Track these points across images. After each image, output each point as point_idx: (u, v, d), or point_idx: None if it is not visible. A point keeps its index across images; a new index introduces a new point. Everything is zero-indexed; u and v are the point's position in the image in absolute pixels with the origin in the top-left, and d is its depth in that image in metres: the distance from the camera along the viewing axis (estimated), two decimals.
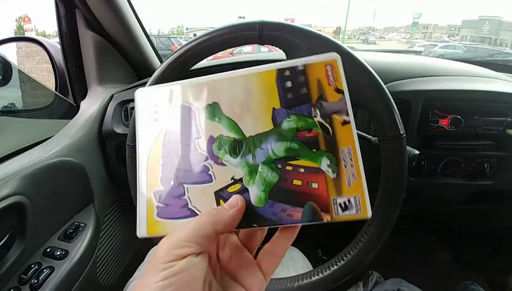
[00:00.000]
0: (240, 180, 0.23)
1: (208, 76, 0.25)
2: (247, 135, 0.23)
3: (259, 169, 0.23)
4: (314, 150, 0.22)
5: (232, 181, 0.23)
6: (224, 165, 0.23)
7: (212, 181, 0.23)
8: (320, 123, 0.22)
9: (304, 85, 0.23)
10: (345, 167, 0.22)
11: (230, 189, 0.23)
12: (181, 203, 0.23)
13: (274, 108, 0.23)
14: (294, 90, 0.23)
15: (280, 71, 0.23)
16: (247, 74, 0.24)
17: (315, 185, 0.22)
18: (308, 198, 0.22)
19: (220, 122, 0.24)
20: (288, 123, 0.23)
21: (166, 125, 0.25)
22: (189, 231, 0.21)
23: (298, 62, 0.23)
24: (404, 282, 0.80)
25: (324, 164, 0.22)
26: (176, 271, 0.19)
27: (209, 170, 0.24)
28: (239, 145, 0.23)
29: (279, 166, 0.23)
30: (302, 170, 0.22)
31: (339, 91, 0.23)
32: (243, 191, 0.23)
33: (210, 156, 0.24)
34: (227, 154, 0.23)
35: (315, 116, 0.22)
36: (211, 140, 0.24)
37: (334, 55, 0.23)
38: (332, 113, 0.22)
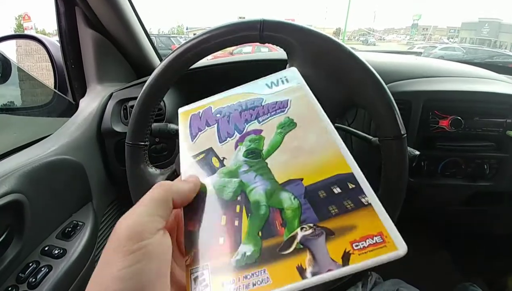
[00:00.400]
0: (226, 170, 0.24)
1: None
2: (271, 166, 0.22)
3: (249, 191, 0.22)
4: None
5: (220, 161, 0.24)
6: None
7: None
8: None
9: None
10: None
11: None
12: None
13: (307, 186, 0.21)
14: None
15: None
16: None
17: None
18: None
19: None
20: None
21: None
22: (147, 203, 0.19)
23: None
24: (403, 283, 0.80)
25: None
26: (148, 252, 0.17)
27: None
28: (256, 154, 0.23)
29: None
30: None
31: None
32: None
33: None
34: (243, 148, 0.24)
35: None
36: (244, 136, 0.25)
37: None
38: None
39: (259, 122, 0.25)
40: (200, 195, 0.22)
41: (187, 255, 0.19)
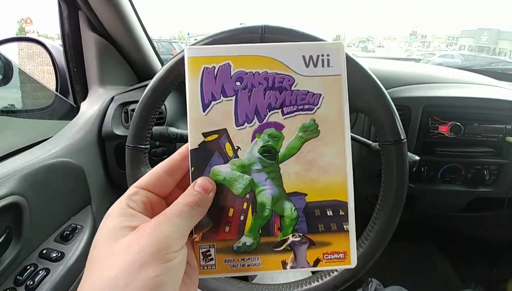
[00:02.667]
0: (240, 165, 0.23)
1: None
2: (282, 173, 0.23)
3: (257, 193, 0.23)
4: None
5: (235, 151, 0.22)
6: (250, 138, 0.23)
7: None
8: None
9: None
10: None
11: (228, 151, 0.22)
12: None
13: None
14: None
15: None
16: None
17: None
18: None
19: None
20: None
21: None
22: (184, 220, 0.20)
23: None
24: (403, 290, 0.80)
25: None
26: (178, 262, 0.18)
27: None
28: (272, 155, 0.23)
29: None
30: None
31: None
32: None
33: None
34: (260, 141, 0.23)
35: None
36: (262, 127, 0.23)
37: None
38: None
39: (283, 114, 0.22)
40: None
41: (195, 234, 0.22)
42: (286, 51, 0.23)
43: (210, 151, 0.22)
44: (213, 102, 0.22)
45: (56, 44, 0.81)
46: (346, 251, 0.23)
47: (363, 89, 0.36)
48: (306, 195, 0.23)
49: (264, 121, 0.22)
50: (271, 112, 0.22)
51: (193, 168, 0.22)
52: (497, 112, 0.64)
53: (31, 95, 0.85)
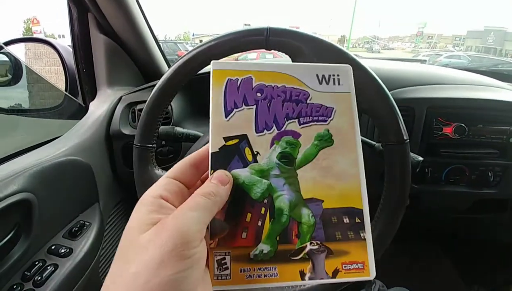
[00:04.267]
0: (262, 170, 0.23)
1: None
2: (300, 179, 0.23)
3: (276, 198, 0.23)
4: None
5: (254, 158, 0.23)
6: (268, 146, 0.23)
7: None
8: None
9: None
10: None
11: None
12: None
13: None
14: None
15: None
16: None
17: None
18: None
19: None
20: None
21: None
22: (201, 211, 0.19)
23: None
24: None
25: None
26: (198, 258, 0.18)
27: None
28: (290, 161, 0.23)
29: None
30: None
31: None
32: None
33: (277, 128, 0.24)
34: (278, 149, 0.23)
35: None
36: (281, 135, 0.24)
37: None
38: None
39: (299, 123, 0.24)
40: None
41: (211, 239, 0.21)
42: (302, 69, 0.25)
43: (230, 154, 0.23)
44: (235, 110, 0.23)
45: (65, 45, 0.83)
46: (365, 261, 0.22)
47: (366, 90, 0.37)
48: (322, 201, 0.23)
49: (282, 129, 0.24)
50: (289, 121, 0.24)
51: (212, 170, 0.22)
52: (502, 113, 0.64)
53: (40, 95, 0.86)
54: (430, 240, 1.13)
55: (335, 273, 0.22)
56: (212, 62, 0.24)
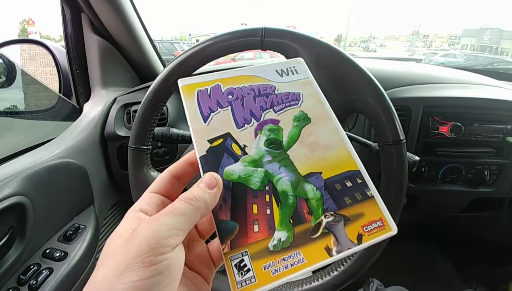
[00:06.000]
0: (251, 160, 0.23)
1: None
2: (292, 158, 0.23)
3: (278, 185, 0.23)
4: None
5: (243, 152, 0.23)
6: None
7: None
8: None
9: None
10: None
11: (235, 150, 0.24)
12: None
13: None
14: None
15: None
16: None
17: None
18: None
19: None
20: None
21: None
22: (172, 215, 0.18)
23: None
24: (404, 290, 0.80)
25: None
26: (167, 265, 0.17)
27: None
28: (277, 145, 0.24)
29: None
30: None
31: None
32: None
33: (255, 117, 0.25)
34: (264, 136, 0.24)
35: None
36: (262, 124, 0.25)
37: None
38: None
39: (275, 112, 0.25)
40: (226, 184, 0.22)
41: (223, 244, 0.20)
42: (262, 68, 0.27)
43: (219, 154, 0.23)
44: (212, 114, 0.24)
45: (58, 46, 0.82)
46: (381, 217, 0.22)
47: (362, 90, 0.37)
48: (321, 173, 0.23)
49: (261, 120, 0.25)
50: (265, 112, 0.25)
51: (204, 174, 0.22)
52: (498, 112, 0.64)
53: (34, 97, 0.85)
54: (428, 238, 1.13)
55: (359, 239, 0.21)
56: (178, 80, 0.26)
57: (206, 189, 0.20)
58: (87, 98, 0.75)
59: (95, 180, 0.67)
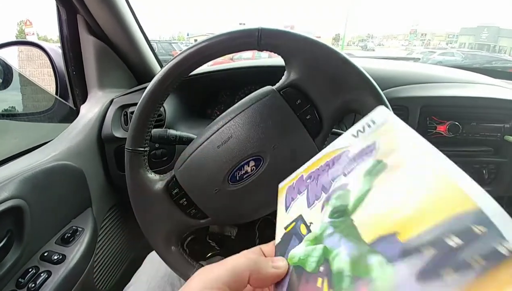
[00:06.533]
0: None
1: None
2: (358, 223, 0.18)
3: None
4: None
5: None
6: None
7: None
8: None
9: None
10: None
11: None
12: None
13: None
14: None
15: None
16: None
17: None
18: None
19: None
20: None
21: None
22: (227, 271, 0.20)
23: None
24: None
25: None
26: None
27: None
28: (342, 212, 0.19)
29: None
30: None
31: None
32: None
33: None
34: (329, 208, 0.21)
35: None
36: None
37: None
38: None
39: (344, 175, 0.21)
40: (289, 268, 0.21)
41: None
42: (340, 140, 0.24)
43: (289, 238, 0.23)
44: (292, 202, 0.25)
45: (55, 47, 0.81)
46: None
47: (359, 90, 0.37)
48: (397, 233, 0.15)
49: (330, 190, 0.22)
50: (335, 181, 0.22)
51: None
52: (495, 111, 0.64)
53: (31, 99, 0.85)
54: None
55: None
56: (279, 185, 0.28)
57: (268, 260, 0.22)
58: (84, 100, 0.75)
59: (93, 182, 0.66)
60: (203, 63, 0.41)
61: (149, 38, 0.82)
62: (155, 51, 0.86)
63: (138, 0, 0.74)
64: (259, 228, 1.13)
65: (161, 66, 0.86)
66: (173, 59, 0.40)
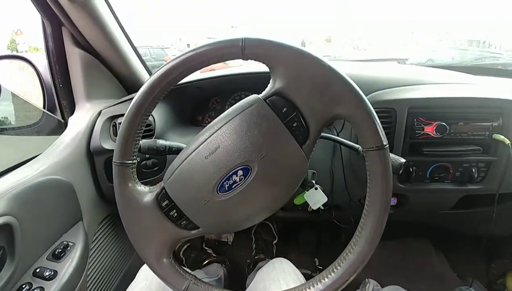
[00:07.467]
0: None
1: None
2: None
3: None
4: None
5: None
6: None
7: None
8: None
9: None
10: None
11: None
12: None
13: None
14: None
15: None
16: None
17: None
18: None
19: None
20: None
21: None
22: None
23: None
24: (400, 289, 0.80)
25: None
26: None
27: None
28: None
29: None
30: None
31: None
32: None
33: None
34: None
35: None
36: None
37: None
38: None
39: None
40: None
41: None
42: None
43: None
44: None
45: (42, 60, 0.81)
46: None
47: (343, 97, 0.37)
48: None
49: None
50: None
51: None
52: (482, 110, 0.65)
53: (18, 112, 0.84)
54: (422, 236, 1.14)
55: None
56: None
57: None
58: (71, 112, 0.74)
59: (83, 195, 0.66)
60: (189, 74, 0.41)
61: (141, 45, 0.81)
62: (147, 57, 0.86)
63: (129, 6, 0.73)
64: (255, 233, 1.14)
65: (150, 74, 0.85)
66: (158, 70, 0.40)
